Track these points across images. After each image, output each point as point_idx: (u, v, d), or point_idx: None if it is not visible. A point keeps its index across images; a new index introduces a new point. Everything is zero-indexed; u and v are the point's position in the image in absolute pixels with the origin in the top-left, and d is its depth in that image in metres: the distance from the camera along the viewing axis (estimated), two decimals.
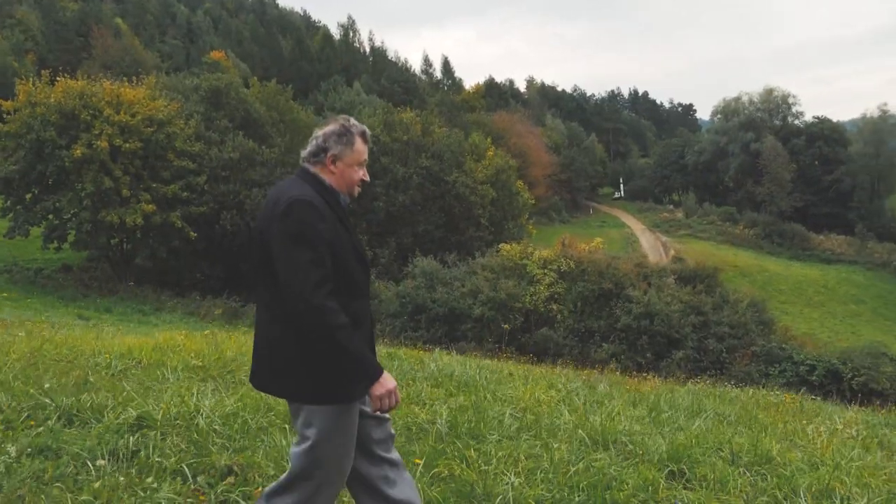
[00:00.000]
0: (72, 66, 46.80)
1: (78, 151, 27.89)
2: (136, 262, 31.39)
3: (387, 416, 2.95)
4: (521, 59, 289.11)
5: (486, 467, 3.80)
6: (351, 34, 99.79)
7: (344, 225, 2.73)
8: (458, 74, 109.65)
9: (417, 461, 3.85)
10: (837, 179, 70.66)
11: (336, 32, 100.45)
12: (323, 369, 2.65)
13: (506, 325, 21.47)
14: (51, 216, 29.52)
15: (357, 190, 2.87)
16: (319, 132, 2.82)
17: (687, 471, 4.25)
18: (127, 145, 29.12)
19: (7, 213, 30.13)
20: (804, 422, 7.32)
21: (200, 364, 7.05)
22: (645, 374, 15.02)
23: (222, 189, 31.92)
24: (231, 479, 3.46)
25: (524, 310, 22.32)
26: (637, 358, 20.89)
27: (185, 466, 3.56)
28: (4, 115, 30.12)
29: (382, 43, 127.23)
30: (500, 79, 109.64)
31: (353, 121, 2.84)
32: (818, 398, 15.05)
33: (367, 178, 2.91)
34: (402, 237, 31.69)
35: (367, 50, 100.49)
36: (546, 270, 22.58)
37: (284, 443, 4.01)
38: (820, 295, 50.03)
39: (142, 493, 3.22)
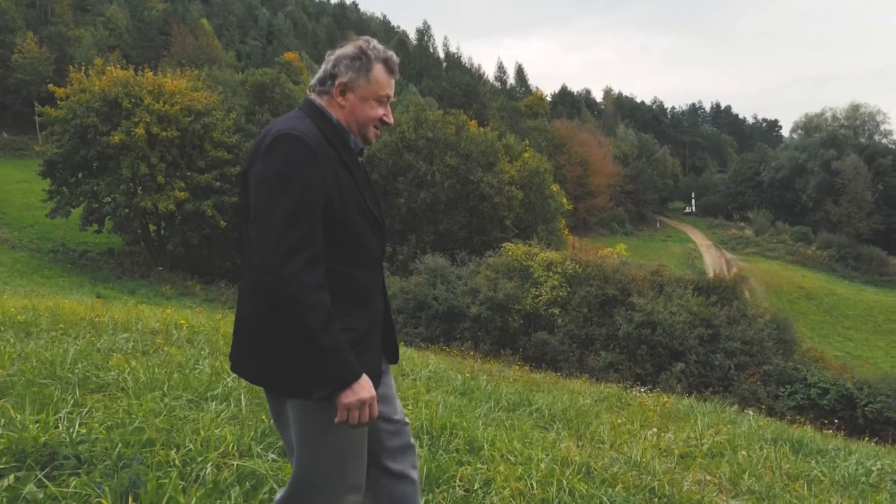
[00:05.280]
0: (152, 63, 49.03)
1: (116, 138, 29.06)
2: (169, 249, 32.35)
3: (405, 420, 2.41)
4: (604, 70, 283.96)
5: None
6: (426, 39, 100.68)
7: (351, 173, 2.12)
8: (535, 83, 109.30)
9: None
10: None
11: (414, 38, 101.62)
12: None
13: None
14: (90, 199, 30.84)
15: (374, 133, 2.24)
16: (332, 55, 2.24)
17: None
18: (164, 133, 30.14)
19: (54, 196, 31.70)
20: (657, 429, 6.57)
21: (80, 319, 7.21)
22: (641, 387, 14.12)
23: None
24: None
25: (524, 312, 21.59)
26: (636, 369, 19.79)
27: None
28: (58, 102, 31.78)
29: (458, 49, 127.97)
30: (577, 88, 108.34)
31: (374, 43, 2.24)
32: (830, 425, 13.84)
33: (390, 120, 2.28)
34: (424, 235, 31.41)
35: (441, 55, 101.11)
36: (550, 273, 21.78)
37: None
38: (891, 323, 46.95)
39: None
